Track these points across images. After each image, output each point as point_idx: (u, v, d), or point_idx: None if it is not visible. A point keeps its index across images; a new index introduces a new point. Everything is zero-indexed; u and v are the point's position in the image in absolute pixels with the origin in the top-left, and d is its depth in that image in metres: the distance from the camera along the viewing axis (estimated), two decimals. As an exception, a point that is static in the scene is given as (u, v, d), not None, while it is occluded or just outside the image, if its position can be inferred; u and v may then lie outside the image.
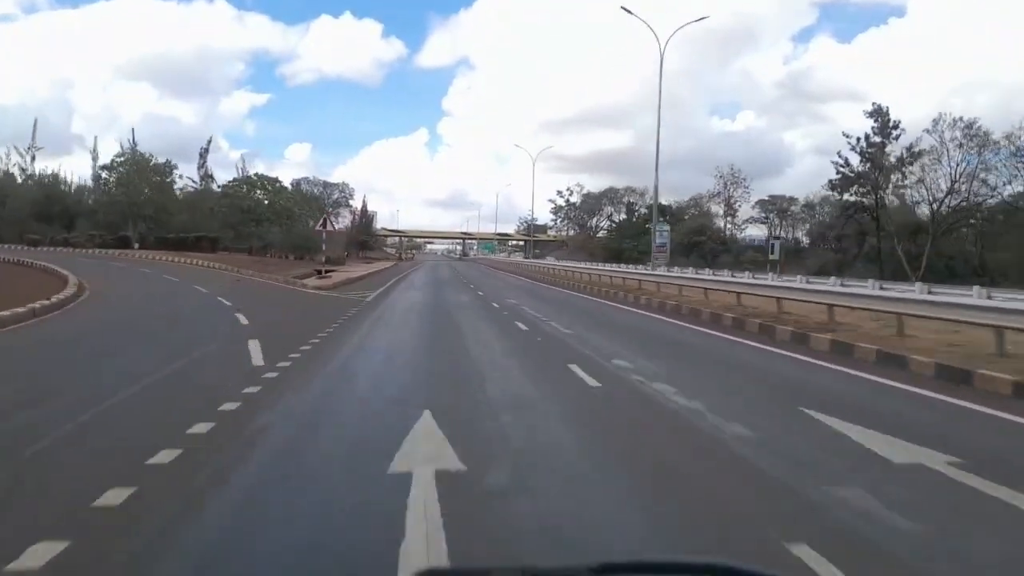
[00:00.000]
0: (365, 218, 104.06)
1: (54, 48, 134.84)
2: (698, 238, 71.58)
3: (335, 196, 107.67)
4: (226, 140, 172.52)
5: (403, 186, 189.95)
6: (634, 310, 18.67)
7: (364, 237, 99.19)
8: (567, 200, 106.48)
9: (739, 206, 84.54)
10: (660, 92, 30.57)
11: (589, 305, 20.25)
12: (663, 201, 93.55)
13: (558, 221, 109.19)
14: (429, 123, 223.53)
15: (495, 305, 18.59)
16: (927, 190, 50.45)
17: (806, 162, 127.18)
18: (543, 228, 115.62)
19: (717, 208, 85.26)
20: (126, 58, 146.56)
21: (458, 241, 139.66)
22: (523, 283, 33.70)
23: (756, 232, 79.11)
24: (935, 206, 49.70)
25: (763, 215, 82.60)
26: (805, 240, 73.93)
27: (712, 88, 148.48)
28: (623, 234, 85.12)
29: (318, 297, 21.03)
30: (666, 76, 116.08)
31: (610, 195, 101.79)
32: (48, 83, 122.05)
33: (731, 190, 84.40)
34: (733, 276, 20.40)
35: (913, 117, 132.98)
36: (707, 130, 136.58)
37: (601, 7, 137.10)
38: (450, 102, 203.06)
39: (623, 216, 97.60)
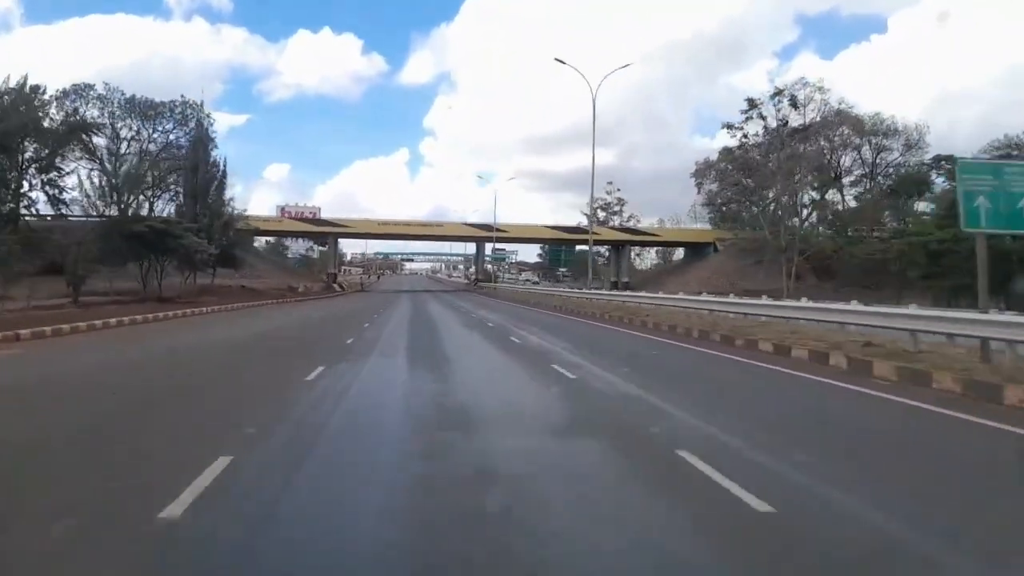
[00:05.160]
0: (204, 171, 44.95)
1: (26, 65, 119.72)
2: None
3: (161, 134, 52.19)
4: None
5: (383, 205, 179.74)
6: None
7: (170, 236, 33.25)
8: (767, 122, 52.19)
9: None
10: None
11: None
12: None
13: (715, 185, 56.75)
14: (410, 142, 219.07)
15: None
16: None
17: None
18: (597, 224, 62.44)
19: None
20: (100, 76, 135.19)
21: (458, 250, 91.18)
22: None
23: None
24: None
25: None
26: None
27: (695, 105, 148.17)
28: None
29: None
30: (650, 95, 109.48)
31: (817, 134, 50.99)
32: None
33: None
34: None
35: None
36: (689, 148, 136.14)
37: (579, 27, 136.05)
38: (432, 120, 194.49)
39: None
